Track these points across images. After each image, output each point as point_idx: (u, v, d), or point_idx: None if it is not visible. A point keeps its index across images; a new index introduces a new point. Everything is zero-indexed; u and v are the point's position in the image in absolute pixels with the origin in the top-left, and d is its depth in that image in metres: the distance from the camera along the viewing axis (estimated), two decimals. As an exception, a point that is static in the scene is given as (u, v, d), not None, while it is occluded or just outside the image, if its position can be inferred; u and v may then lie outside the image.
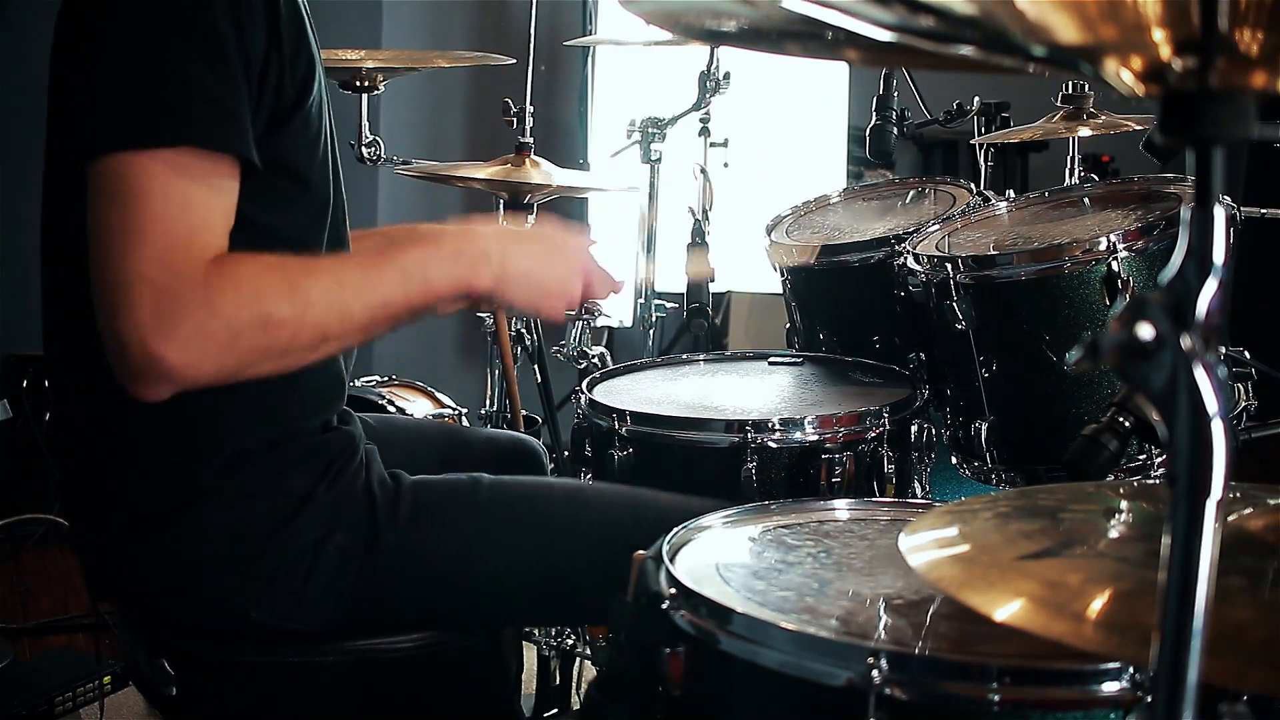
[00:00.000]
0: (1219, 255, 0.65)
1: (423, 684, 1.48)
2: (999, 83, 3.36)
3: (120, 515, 1.39)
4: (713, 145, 3.16)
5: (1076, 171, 2.83)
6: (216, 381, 1.23)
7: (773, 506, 1.38)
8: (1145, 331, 0.64)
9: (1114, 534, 1.06)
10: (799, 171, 3.95)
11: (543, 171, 2.43)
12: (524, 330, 2.65)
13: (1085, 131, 2.58)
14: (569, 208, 3.97)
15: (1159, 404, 0.65)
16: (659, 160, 3.01)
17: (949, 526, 1.06)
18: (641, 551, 1.20)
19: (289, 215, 1.38)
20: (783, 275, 2.25)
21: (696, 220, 2.82)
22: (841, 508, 1.39)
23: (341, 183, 1.48)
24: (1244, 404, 1.94)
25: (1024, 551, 0.98)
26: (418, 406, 2.54)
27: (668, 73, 3.56)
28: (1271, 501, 1.05)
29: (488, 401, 2.98)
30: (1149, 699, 0.94)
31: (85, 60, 1.26)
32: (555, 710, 2.21)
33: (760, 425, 1.67)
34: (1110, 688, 0.95)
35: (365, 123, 2.64)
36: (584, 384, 1.90)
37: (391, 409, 2.45)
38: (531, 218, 2.49)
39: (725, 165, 3.25)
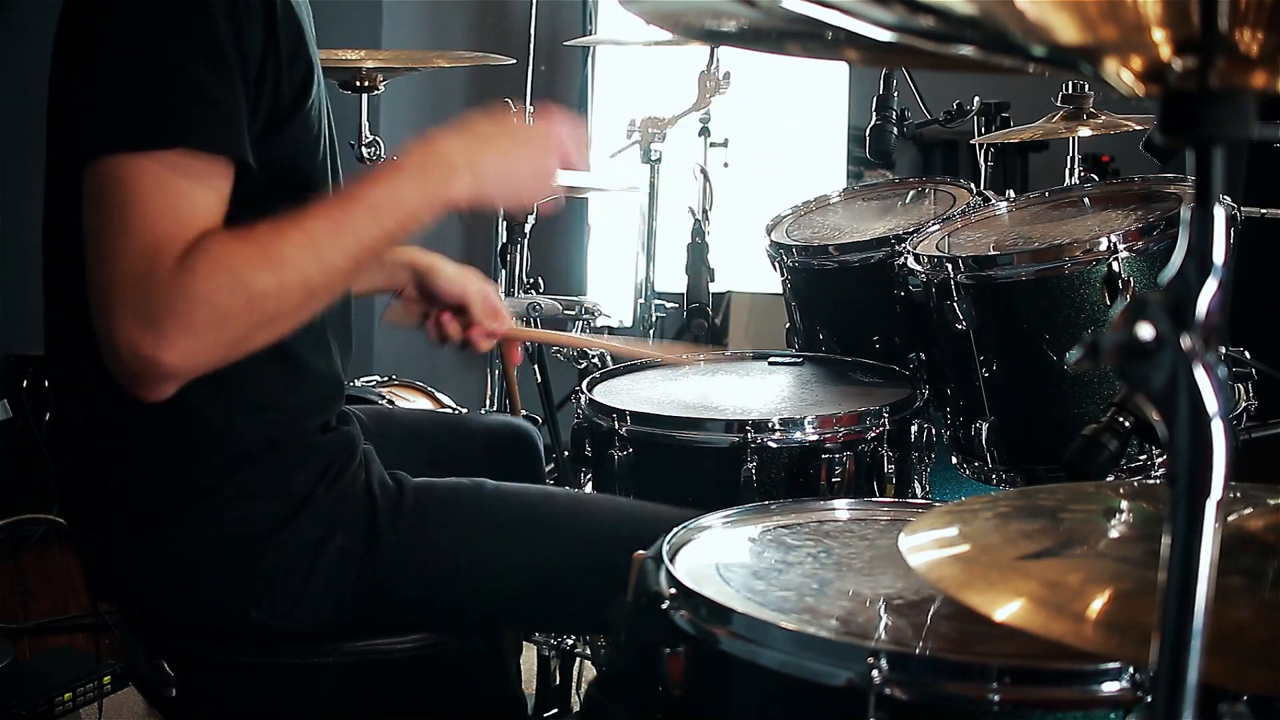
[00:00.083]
0: (1219, 255, 0.65)
1: (422, 685, 1.48)
2: (999, 83, 3.36)
3: (120, 515, 1.39)
4: (713, 145, 3.17)
5: (1076, 171, 2.83)
6: (218, 365, 1.23)
7: (773, 506, 1.38)
8: (1145, 331, 0.64)
9: (1114, 534, 1.06)
10: (799, 171, 3.95)
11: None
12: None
13: (1085, 131, 2.58)
14: (569, 208, 3.97)
15: (1159, 404, 0.65)
16: (659, 160, 3.00)
17: (949, 526, 1.06)
18: (641, 551, 1.20)
19: (286, 213, 1.38)
20: (783, 275, 2.25)
21: (696, 220, 2.83)
22: (841, 508, 1.39)
23: (342, 185, 1.48)
24: (1244, 404, 1.94)
25: (1024, 551, 0.98)
26: (417, 406, 2.54)
27: (668, 73, 3.56)
28: (1271, 501, 1.05)
29: (488, 401, 2.98)
30: (1149, 699, 0.94)
31: (84, 60, 1.26)
32: (555, 710, 2.21)
33: (760, 425, 1.67)
34: (1110, 688, 0.95)
35: (365, 123, 2.63)
36: (584, 384, 1.90)
37: (393, 407, 2.44)
38: (531, 218, 2.49)
39: (725, 165, 3.25)
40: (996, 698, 0.96)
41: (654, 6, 0.91)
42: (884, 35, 0.72)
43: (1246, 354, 1.94)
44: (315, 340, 1.45)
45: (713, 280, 2.86)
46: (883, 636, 1.05)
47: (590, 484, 1.82)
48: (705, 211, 2.90)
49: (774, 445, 1.67)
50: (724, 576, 1.18)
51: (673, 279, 3.04)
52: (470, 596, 1.46)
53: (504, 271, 2.56)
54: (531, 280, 2.58)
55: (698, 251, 2.82)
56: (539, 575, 1.47)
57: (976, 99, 2.87)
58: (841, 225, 2.32)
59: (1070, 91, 2.60)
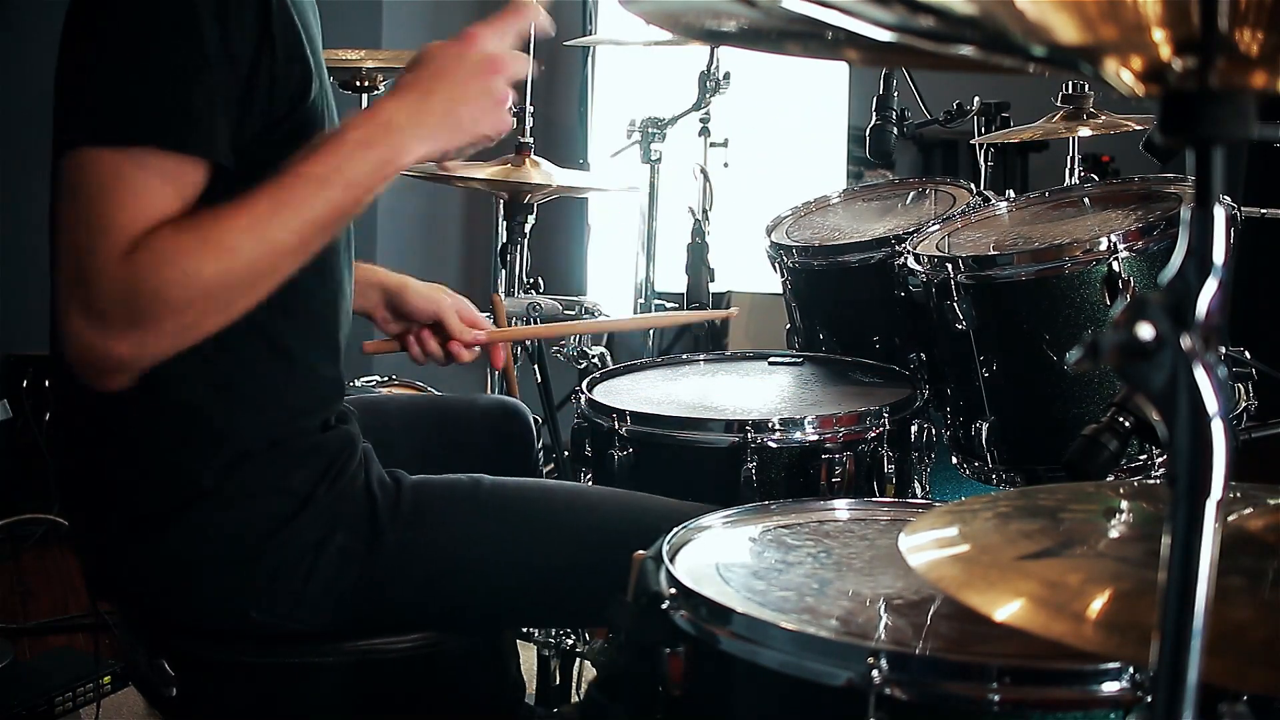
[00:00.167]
0: (1219, 255, 0.65)
1: (422, 684, 1.48)
2: (999, 83, 3.36)
3: (120, 515, 1.39)
4: (713, 145, 3.16)
5: (1076, 171, 2.84)
6: (175, 351, 1.23)
7: (773, 506, 1.38)
8: (1145, 331, 0.64)
9: (1114, 534, 1.06)
10: (799, 171, 3.95)
11: (543, 171, 2.43)
12: (524, 331, 2.64)
13: (1085, 131, 2.58)
14: (569, 208, 3.98)
15: (1159, 404, 0.65)
16: (659, 160, 3.01)
17: (949, 526, 1.06)
18: (641, 551, 1.20)
19: None
20: (783, 275, 2.25)
21: (696, 220, 2.83)
22: (841, 508, 1.39)
23: None
24: (1244, 404, 1.94)
25: (1024, 551, 0.98)
26: (417, 405, 2.54)
27: (668, 73, 3.56)
28: (1271, 501, 1.05)
29: (488, 401, 2.97)
30: (1149, 699, 0.94)
31: (73, 55, 1.27)
32: (555, 710, 2.21)
33: (760, 425, 1.67)
34: (1110, 688, 0.95)
35: (365, 123, 2.63)
36: (584, 384, 1.90)
37: (384, 394, 2.45)
38: (531, 218, 2.49)
39: (725, 165, 3.25)
40: (996, 698, 0.96)
41: (654, 6, 0.91)
42: (884, 35, 0.72)
43: (1246, 354, 1.94)
44: (317, 339, 1.45)
45: (713, 280, 2.86)
46: (883, 636, 1.05)
47: (590, 484, 1.82)
48: (705, 211, 2.90)
49: (774, 445, 1.67)
50: (724, 576, 1.18)
51: (673, 279, 3.04)
52: (470, 593, 1.46)
53: (504, 271, 2.56)
54: (531, 280, 2.58)
55: (698, 251, 2.82)
56: (539, 570, 1.47)
57: (976, 99, 2.87)
58: (841, 226, 2.32)
59: (1070, 91, 2.60)
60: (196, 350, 1.26)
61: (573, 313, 2.62)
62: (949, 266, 1.84)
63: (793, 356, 2.13)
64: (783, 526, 1.33)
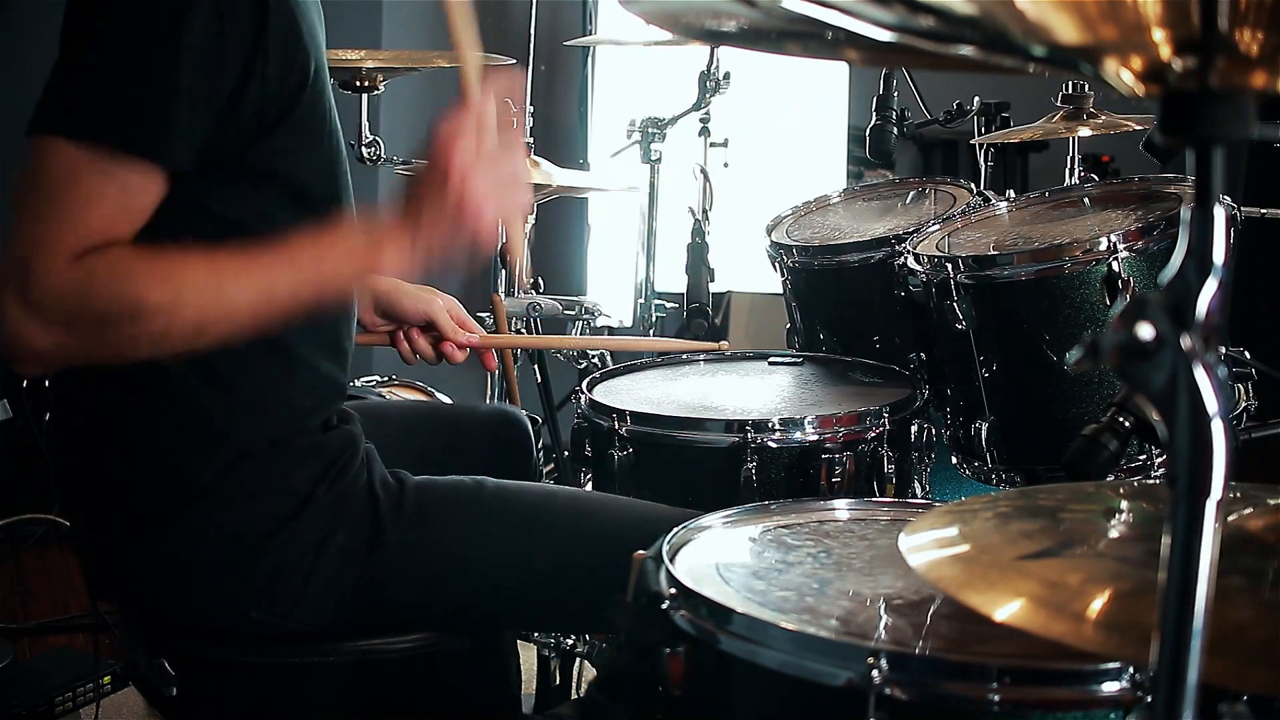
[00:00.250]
0: (1219, 255, 0.65)
1: (422, 684, 1.48)
2: (999, 83, 3.36)
3: (120, 515, 1.39)
4: (713, 145, 3.16)
5: (1076, 171, 2.83)
6: (89, 362, 1.26)
7: (773, 506, 1.38)
8: (1145, 331, 0.64)
9: (1114, 534, 1.06)
10: (799, 171, 3.94)
11: (543, 171, 2.43)
12: (524, 330, 2.65)
13: (1085, 131, 2.58)
14: (569, 208, 3.97)
15: (1159, 404, 0.65)
16: (659, 160, 3.00)
17: (949, 526, 1.06)
18: (641, 551, 1.20)
19: (287, 223, 1.37)
20: (783, 275, 2.25)
21: (696, 220, 2.82)
22: (841, 508, 1.39)
23: (350, 192, 1.47)
24: (1244, 404, 1.94)
25: (1024, 551, 0.98)
26: (417, 405, 2.54)
27: (668, 73, 3.55)
28: (1271, 501, 1.05)
29: (488, 401, 2.97)
30: (1149, 699, 0.94)
31: (63, 44, 1.27)
32: (555, 711, 2.21)
33: (760, 425, 1.67)
34: (1110, 688, 0.95)
35: (365, 123, 2.64)
36: (584, 384, 1.90)
37: (386, 399, 2.45)
38: (531, 218, 2.49)
39: (725, 165, 3.24)
40: (996, 698, 0.96)
41: (654, 6, 0.91)
42: (884, 35, 0.72)
43: (1246, 354, 1.94)
44: (318, 339, 1.45)
45: (713, 280, 2.85)
46: (883, 636, 1.05)
47: (590, 484, 1.82)
48: (705, 211, 2.90)
49: (774, 445, 1.67)
50: (724, 576, 1.18)
51: (673, 279, 3.04)
52: (471, 595, 1.46)
53: (504, 271, 2.56)
54: (531, 280, 2.58)
55: (698, 251, 2.82)
56: (539, 574, 1.47)
57: (976, 99, 2.87)
58: (841, 225, 2.32)
59: (1070, 91, 2.59)
60: (197, 350, 1.26)
61: (573, 313, 2.63)
62: (949, 266, 1.83)
63: (793, 356, 2.13)
64: (783, 526, 1.33)
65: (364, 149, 2.66)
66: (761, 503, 1.39)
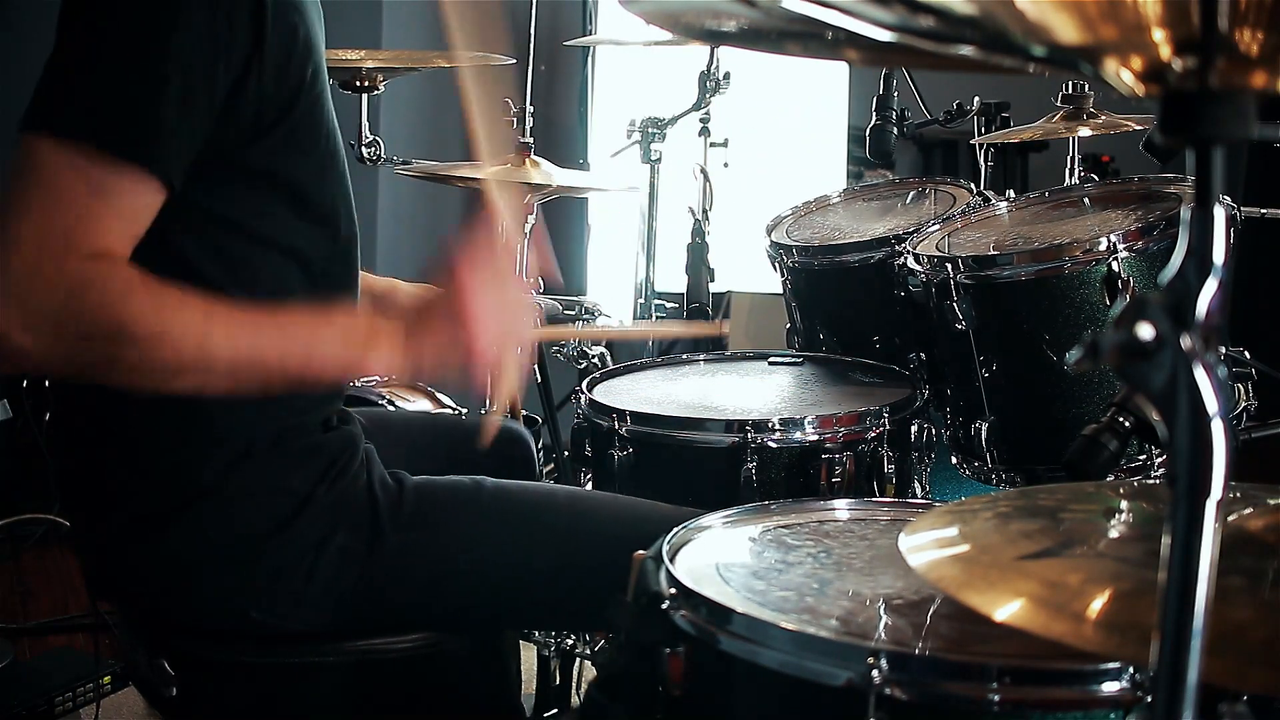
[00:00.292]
0: (1219, 255, 0.65)
1: (422, 684, 1.48)
2: (999, 83, 3.35)
3: (120, 515, 1.39)
4: (713, 145, 3.16)
5: (1076, 171, 2.83)
6: (60, 374, 1.28)
7: (773, 506, 1.38)
8: (1145, 331, 0.64)
9: (1114, 534, 1.06)
10: (799, 171, 3.94)
11: (543, 171, 2.43)
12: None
13: (1085, 131, 2.58)
14: (569, 208, 3.97)
15: (1159, 404, 0.65)
16: (659, 160, 3.00)
17: (949, 526, 1.06)
18: (641, 551, 1.20)
19: (286, 223, 1.38)
20: (783, 275, 2.25)
21: (696, 220, 2.82)
22: (841, 508, 1.39)
23: (350, 195, 1.47)
24: (1244, 404, 1.94)
25: (1024, 551, 0.98)
26: (417, 406, 2.54)
27: (668, 73, 3.56)
28: (1271, 501, 1.05)
29: (488, 401, 2.97)
30: (1149, 699, 0.94)
31: (59, 41, 1.26)
32: (555, 710, 2.21)
33: (760, 425, 1.67)
34: (1110, 688, 0.95)
35: (365, 123, 2.64)
36: (584, 384, 1.90)
37: (391, 409, 2.45)
38: (531, 218, 2.49)
39: (725, 165, 3.24)
40: (996, 698, 0.96)
41: (654, 6, 0.91)
42: (884, 35, 0.72)
43: (1246, 354, 1.94)
44: None
45: (713, 280, 2.85)
46: (883, 636, 1.05)
47: (590, 484, 1.82)
48: (705, 211, 2.90)
49: (774, 445, 1.67)
50: (724, 576, 1.18)
51: (673, 279, 3.04)
52: (470, 595, 1.46)
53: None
54: (531, 281, 2.57)
55: (698, 251, 2.82)
56: (539, 574, 1.47)
57: (976, 99, 2.87)
58: (841, 225, 2.32)
59: (1070, 91, 2.59)
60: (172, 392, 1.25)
61: (573, 313, 2.62)
62: (949, 266, 1.83)
63: (793, 356, 2.13)
64: (783, 526, 1.33)
65: (364, 149, 2.66)
66: (761, 503, 1.39)
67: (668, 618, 1.08)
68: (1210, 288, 0.65)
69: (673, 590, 1.10)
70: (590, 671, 2.19)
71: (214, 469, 1.37)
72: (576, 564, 1.46)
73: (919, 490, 1.82)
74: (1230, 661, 0.79)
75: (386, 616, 1.45)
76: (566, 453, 1.94)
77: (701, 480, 1.70)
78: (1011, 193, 2.24)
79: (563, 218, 3.97)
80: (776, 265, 2.25)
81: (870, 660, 0.96)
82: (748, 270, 3.28)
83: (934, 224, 2.09)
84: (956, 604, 0.91)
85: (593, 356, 2.64)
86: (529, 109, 2.70)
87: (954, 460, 1.99)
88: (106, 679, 2.49)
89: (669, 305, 3.14)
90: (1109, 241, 1.73)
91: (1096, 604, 0.89)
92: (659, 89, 3.51)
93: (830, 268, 2.15)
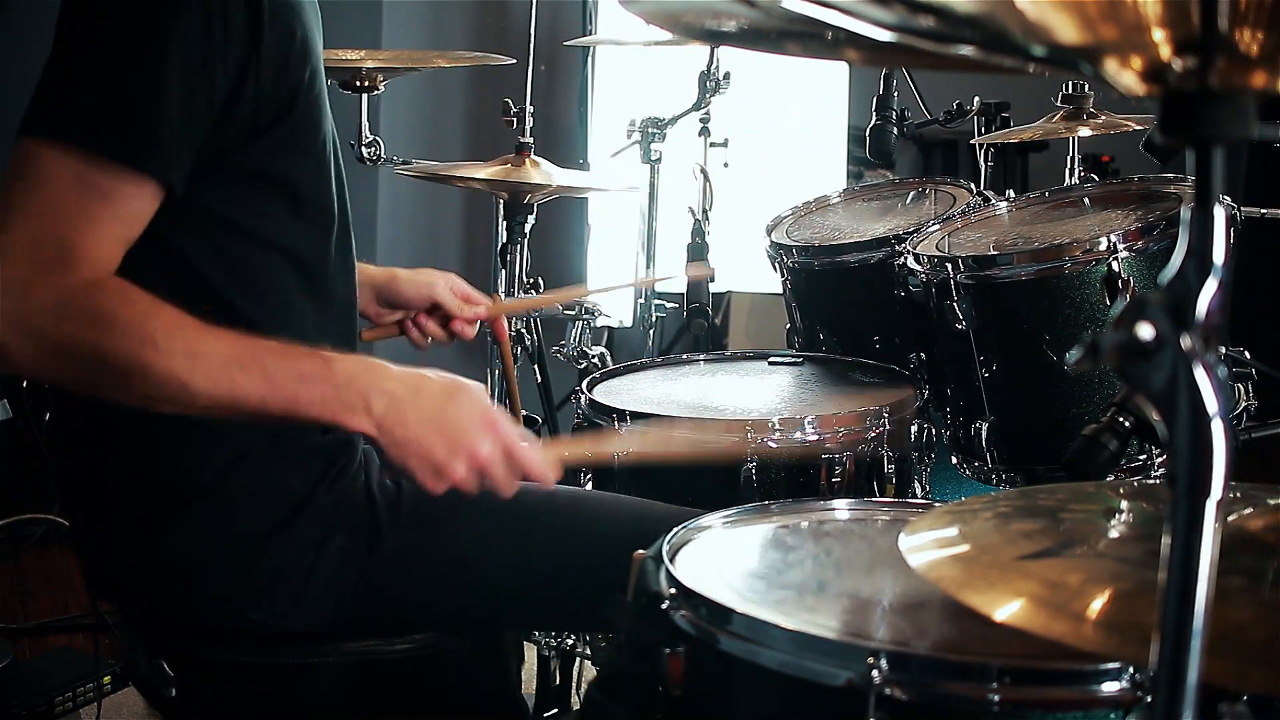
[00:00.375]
0: (1219, 255, 0.65)
1: (422, 685, 1.48)
2: (999, 83, 3.35)
3: (120, 515, 1.39)
4: (713, 145, 3.16)
5: (1076, 171, 2.83)
6: (39, 379, 1.27)
7: (773, 506, 1.38)
8: (1145, 331, 0.64)
9: (1114, 534, 1.06)
10: (799, 171, 3.94)
11: (543, 171, 2.43)
12: (524, 330, 2.65)
13: (1085, 131, 2.58)
14: (569, 208, 3.97)
15: (1159, 404, 0.65)
16: (659, 160, 3.01)
17: (949, 526, 1.06)
18: (641, 551, 1.20)
19: (284, 224, 1.38)
20: (783, 275, 2.25)
21: (696, 220, 2.82)
22: (841, 508, 1.39)
23: (346, 197, 1.47)
24: (1244, 404, 1.94)
25: (1024, 551, 0.98)
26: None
27: (668, 73, 3.55)
28: (1271, 501, 1.05)
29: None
30: (1149, 699, 0.94)
31: (57, 44, 1.26)
32: (555, 710, 2.21)
33: (760, 425, 1.67)
34: (1110, 688, 0.95)
35: (365, 123, 2.64)
36: (584, 384, 1.90)
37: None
38: (531, 218, 2.49)
39: (725, 165, 3.24)
40: (996, 698, 0.96)
41: (654, 6, 0.91)
42: (884, 35, 0.72)
43: (1246, 354, 1.94)
44: (320, 338, 1.44)
45: (713, 280, 2.85)
46: (883, 636, 1.05)
47: (590, 484, 1.82)
48: (705, 211, 2.90)
49: (774, 445, 1.67)
50: (724, 576, 1.17)
51: (673, 279, 3.04)
52: (470, 595, 1.46)
53: (504, 271, 2.56)
54: (531, 280, 2.58)
55: (698, 251, 2.82)
56: (539, 574, 1.47)
57: (976, 99, 2.87)
58: (841, 225, 2.32)
59: (1070, 91, 2.59)
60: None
61: (573, 313, 2.63)
62: (949, 266, 1.83)
63: (793, 356, 2.13)
64: (783, 526, 1.33)
65: (364, 149, 2.66)
66: (761, 503, 1.39)
67: (668, 618, 1.08)
68: (1210, 288, 0.65)
69: (673, 590, 1.10)
70: (590, 671, 2.19)
71: (213, 469, 1.37)
72: (576, 564, 1.46)
73: (919, 490, 1.82)
74: (1230, 661, 0.79)
75: (386, 617, 1.45)
76: (566, 453, 1.93)
77: (701, 480, 1.70)
78: (1011, 193, 2.24)
79: (563, 218, 3.96)
80: (776, 265, 2.25)
81: (870, 660, 0.96)
82: (748, 270, 3.28)
83: (934, 224, 2.09)
84: (956, 604, 0.91)
85: (593, 356, 2.64)
86: (529, 109, 2.70)
87: (954, 460, 1.99)
88: (106, 679, 2.49)
89: (669, 305, 3.15)
90: (1109, 241, 1.73)
91: (1096, 604, 0.89)
92: (659, 89, 3.51)
93: (830, 268, 2.15)
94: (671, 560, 1.18)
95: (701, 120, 3.10)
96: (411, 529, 1.44)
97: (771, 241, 2.27)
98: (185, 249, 1.33)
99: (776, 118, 3.93)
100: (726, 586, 1.15)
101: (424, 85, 3.92)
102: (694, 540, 1.28)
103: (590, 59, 4.10)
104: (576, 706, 2.23)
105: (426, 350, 1.81)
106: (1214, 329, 0.64)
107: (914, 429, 1.77)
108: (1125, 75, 0.66)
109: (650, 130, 2.97)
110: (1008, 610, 0.88)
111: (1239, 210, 2.11)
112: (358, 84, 2.57)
